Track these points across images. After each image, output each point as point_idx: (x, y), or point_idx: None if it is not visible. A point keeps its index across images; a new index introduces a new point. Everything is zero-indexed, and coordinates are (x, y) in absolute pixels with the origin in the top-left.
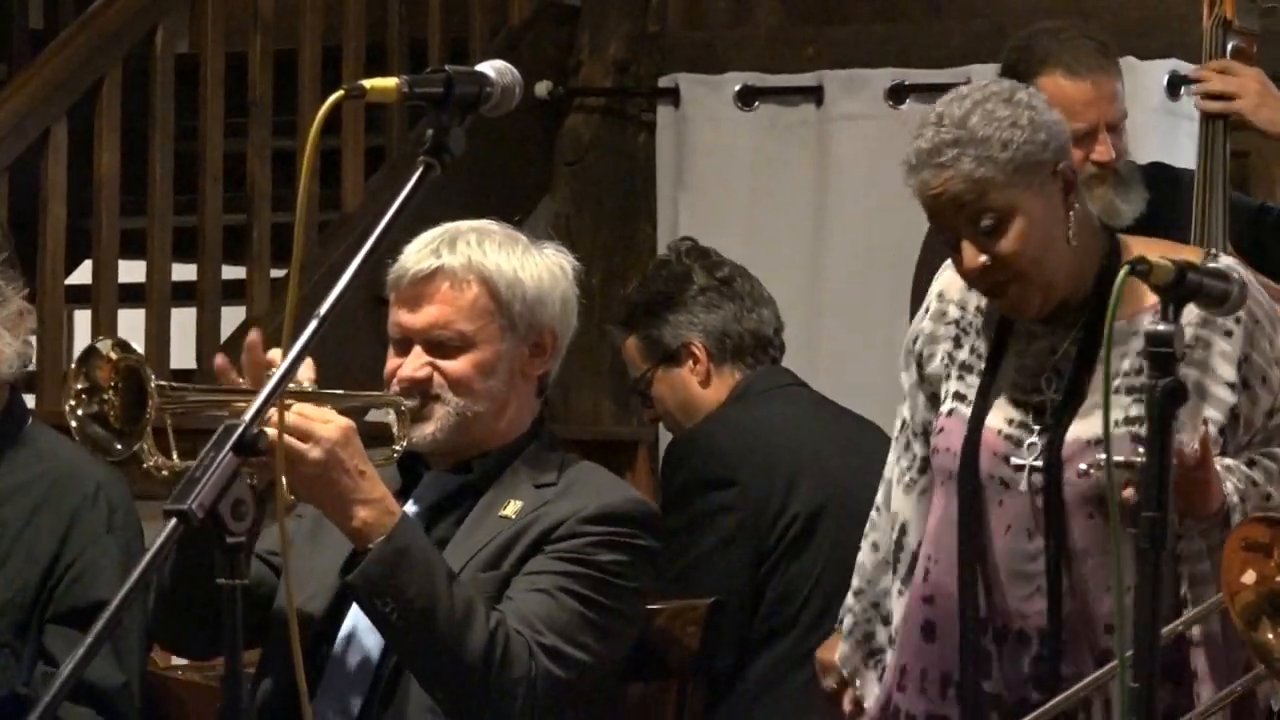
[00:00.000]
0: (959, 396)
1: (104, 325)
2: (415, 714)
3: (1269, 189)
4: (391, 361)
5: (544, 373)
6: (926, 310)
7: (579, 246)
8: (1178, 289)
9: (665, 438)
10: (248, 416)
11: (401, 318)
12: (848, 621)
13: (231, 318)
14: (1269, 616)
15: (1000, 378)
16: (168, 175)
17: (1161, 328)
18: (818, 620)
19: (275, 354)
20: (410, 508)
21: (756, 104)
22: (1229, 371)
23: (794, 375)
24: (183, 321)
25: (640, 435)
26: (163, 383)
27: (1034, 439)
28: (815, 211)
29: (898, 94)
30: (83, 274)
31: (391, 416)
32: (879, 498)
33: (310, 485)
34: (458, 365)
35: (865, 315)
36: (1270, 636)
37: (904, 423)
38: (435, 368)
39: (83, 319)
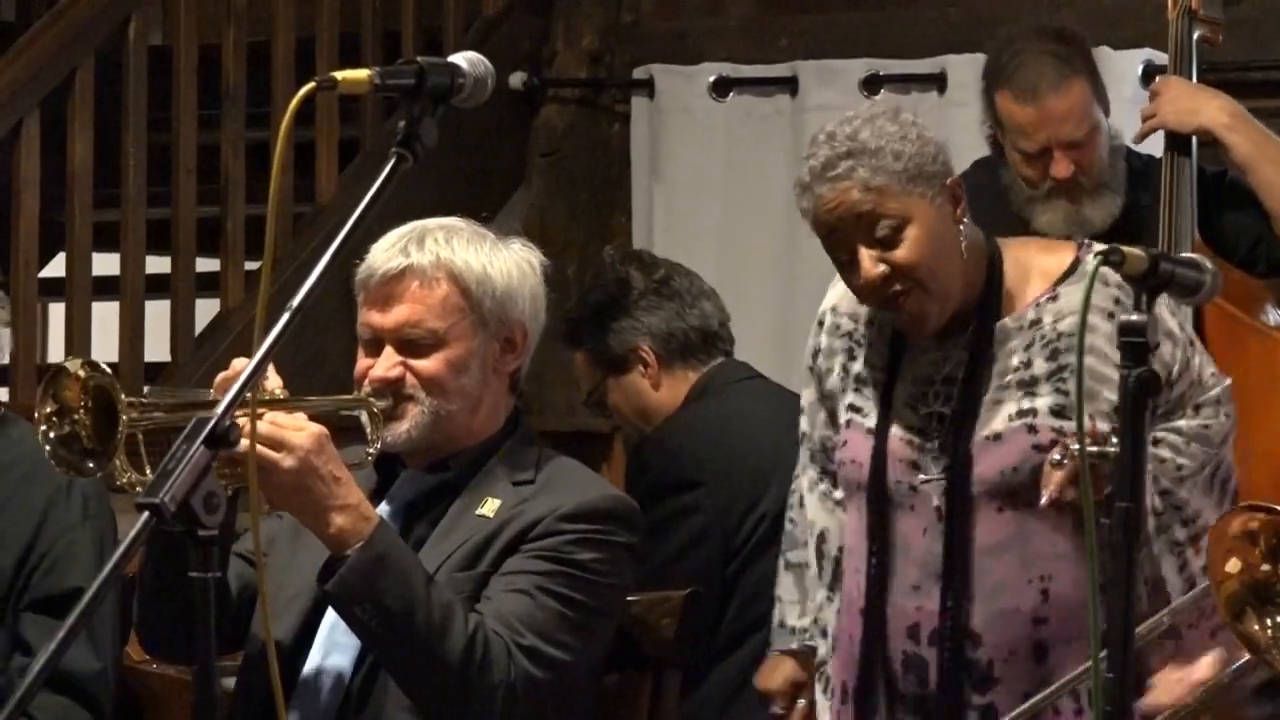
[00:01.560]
0: (854, 409)
1: (77, 318)
2: (393, 715)
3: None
4: (362, 362)
5: (516, 369)
6: (820, 325)
7: (554, 238)
8: (1151, 279)
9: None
10: (220, 409)
11: (371, 318)
12: (794, 644)
13: (205, 310)
14: (1254, 607)
15: (898, 387)
16: (141, 167)
17: (1134, 318)
18: None
19: (240, 362)
20: (385, 507)
21: (731, 95)
22: (1114, 351)
23: (750, 367)
24: (156, 314)
25: (614, 428)
26: (132, 399)
27: (935, 443)
28: (789, 202)
29: (872, 84)
30: (56, 267)
31: (364, 418)
32: (795, 515)
33: (286, 494)
34: (430, 364)
35: None
36: (1256, 627)
37: (804, 435)
38: (407, 367)
39: (56, 312)
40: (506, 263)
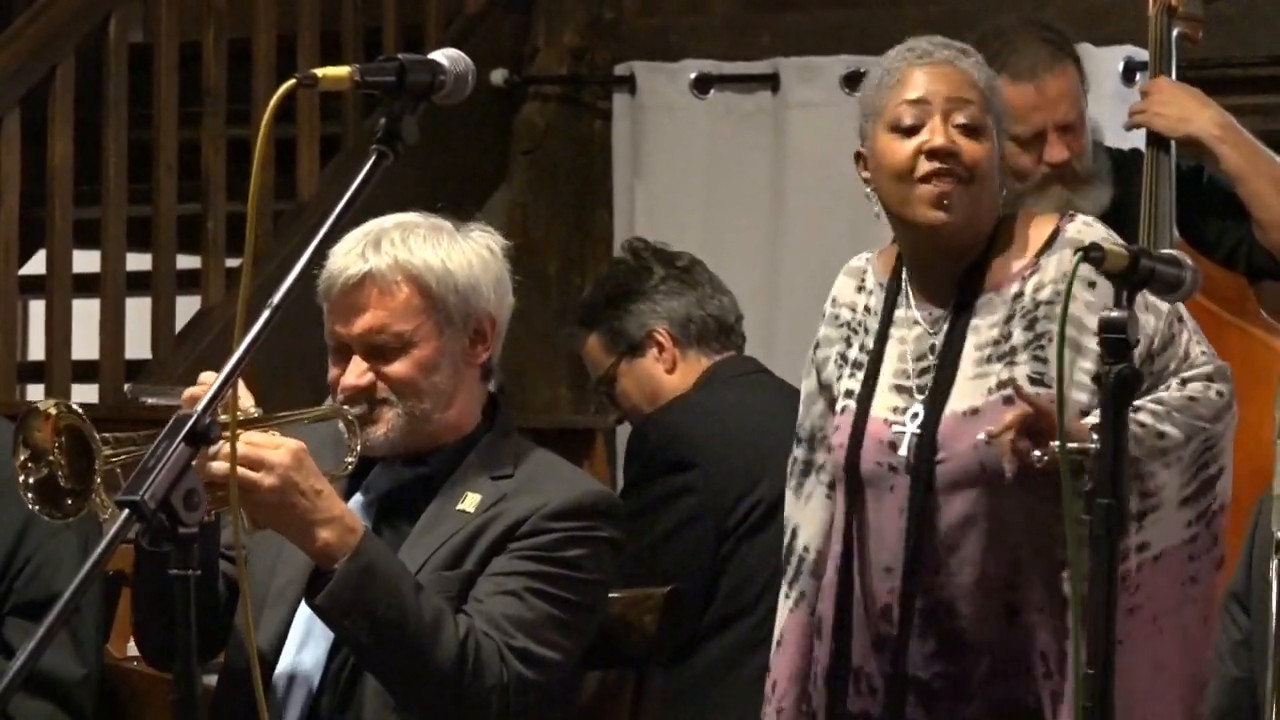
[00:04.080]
0: (849, 393)
1: (58, 315)
2: (374, 708)
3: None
4: (333, 371)
5: (487, 358)
6: (823, 317)
7: (535, 235)
8: (1131, 275)
9: (622, 427)
10: (199, 406)
11: (336, 327)
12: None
13: (186, 307)
14: None
15: (884, 367)
16: (122, 164)
17: (1115, 314)
18: (776, 606)
19: (208, 376)
20: (360, 498)
21: (712, 91)
22: (1092, 319)
23: (758, 363)
24: (137, 311)
25: (597, 423)
26: (105, 435)
27: (914, 415)
28: (772, 199)
29: (854, 81)
30: (37, 264)
31: (340, 426)
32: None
33: (269, 512)
34: (399, 367)
35: (820, 301)
36: None
37: (799, 426)
38: (377, 373)
39: (37, 309)
40: (466, 254)
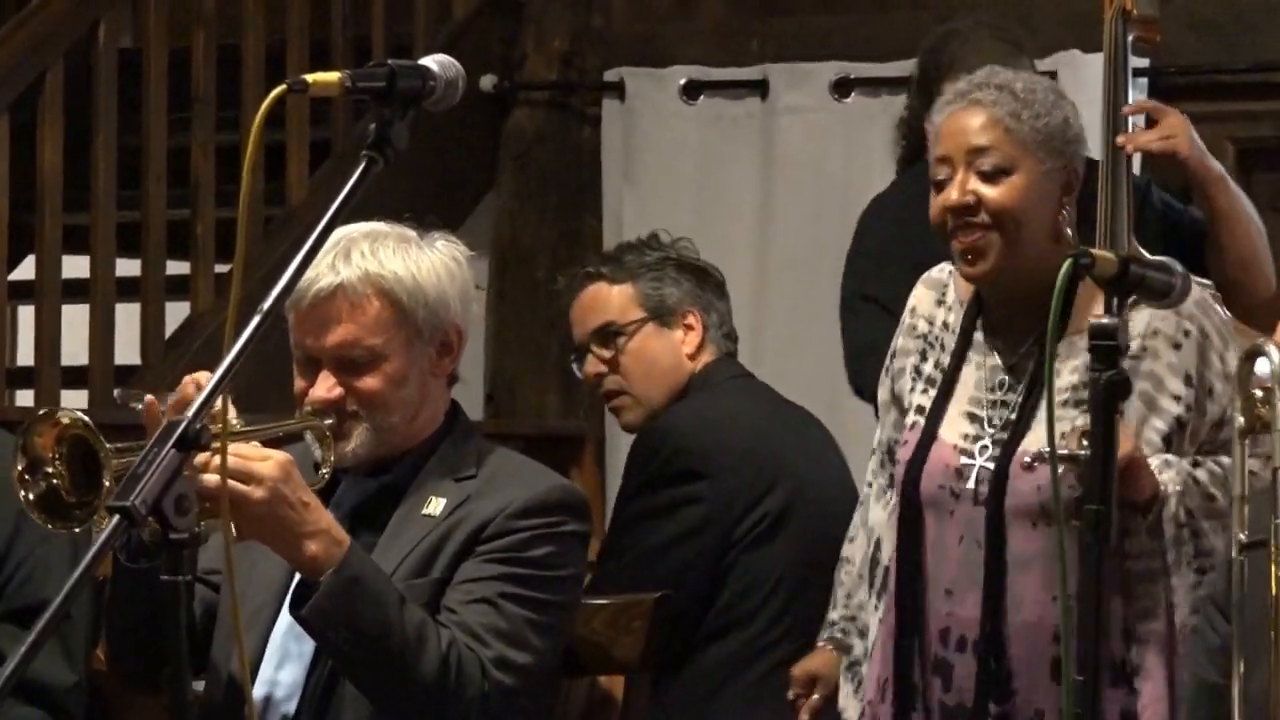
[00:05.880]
0: (920, 410)
1: (47, 321)
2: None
3: None
4: (299, 382)
5: (453, 369)
6: (900, 326)
7: (524, 241)
8: (1121, 282)
9: (612, 432)
10: (190, 412)
11: (306, 341)
12: (825, 636)
13: (176, 313)
14: None
15: (959, 389)
16: (111, 170)
17: (1105, 321)
18: (778, 616)
19: (202, 375)
20: (331, 514)
21: (701, 97)
22: (1176, 384)
23: (741, 365)
24: (126, 317)
25: (586, 430)
26: (110, 446)
27: (984, 448)
28: (760, 205)
29: (843, 87)
30: (26, 269)
31: (310, 437)
32: (857, 516)
33: (258, 525)
34: (370, 382)
35: (810, 309)
36: None
37: (878, 440)
38: (347, 387)
39: (26, 314)
40: (435, 265)
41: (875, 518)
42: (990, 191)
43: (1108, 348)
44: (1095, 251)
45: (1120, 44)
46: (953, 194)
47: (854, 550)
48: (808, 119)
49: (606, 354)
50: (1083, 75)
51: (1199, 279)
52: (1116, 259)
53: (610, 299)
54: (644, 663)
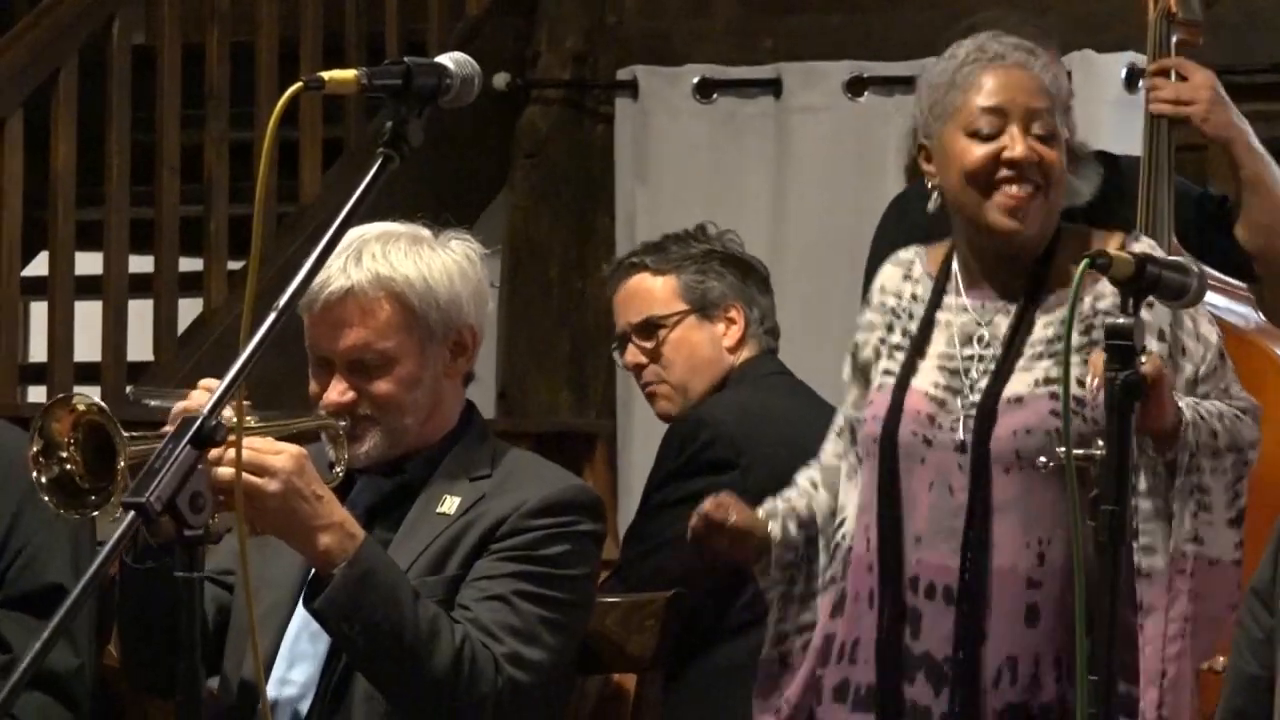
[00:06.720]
0: (888, 373)
1: (60, 317)
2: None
3: (1226, 182)
4: (314, 385)
5: (468, 369)
6: (868, 304)
7: (536, 239)
8: (1137, 282)
9: (624, 430)
10: (206, 408)
11: (319, 344)
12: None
13: (189, 310)
14: None
15: (930, 349)
16: (124, 167)
17: (1121, 321)
18: None
19: (209, 382)
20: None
21: (715, 96)
22: (1149, 340)
23: (780, 362)
24: (139, 313)
25: (599, 428)
26: (126, 434)
27: (962, 398)
28: (773, 204)
29: (856, 86)
30: (39, 266)
31: (325, 437)
32: (808, 473)
33: (272, 518)
34: (383, 385)
35: (822, 307)
36: None
37: (843, 421)
38: (360, 390)
39: (39, 311)
40: (447, 266)
41: (844, 493)
42: (1046, 153)
43: (1124, 347)
44: (1112, 252)
45: (1163, 45)
46: (1018, 147)
47: (804, 479)
48: (821, 118)
49: (647, 345)
50: (1095, 75)
51: (1234, 282)
52: (1133, 260)
53: (653, 290)
54: (656, 660)
